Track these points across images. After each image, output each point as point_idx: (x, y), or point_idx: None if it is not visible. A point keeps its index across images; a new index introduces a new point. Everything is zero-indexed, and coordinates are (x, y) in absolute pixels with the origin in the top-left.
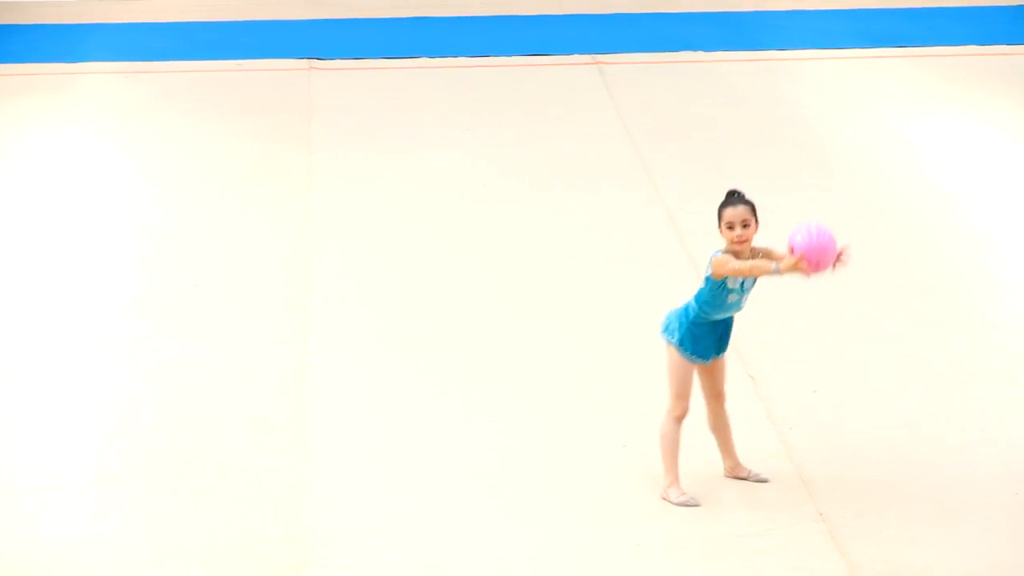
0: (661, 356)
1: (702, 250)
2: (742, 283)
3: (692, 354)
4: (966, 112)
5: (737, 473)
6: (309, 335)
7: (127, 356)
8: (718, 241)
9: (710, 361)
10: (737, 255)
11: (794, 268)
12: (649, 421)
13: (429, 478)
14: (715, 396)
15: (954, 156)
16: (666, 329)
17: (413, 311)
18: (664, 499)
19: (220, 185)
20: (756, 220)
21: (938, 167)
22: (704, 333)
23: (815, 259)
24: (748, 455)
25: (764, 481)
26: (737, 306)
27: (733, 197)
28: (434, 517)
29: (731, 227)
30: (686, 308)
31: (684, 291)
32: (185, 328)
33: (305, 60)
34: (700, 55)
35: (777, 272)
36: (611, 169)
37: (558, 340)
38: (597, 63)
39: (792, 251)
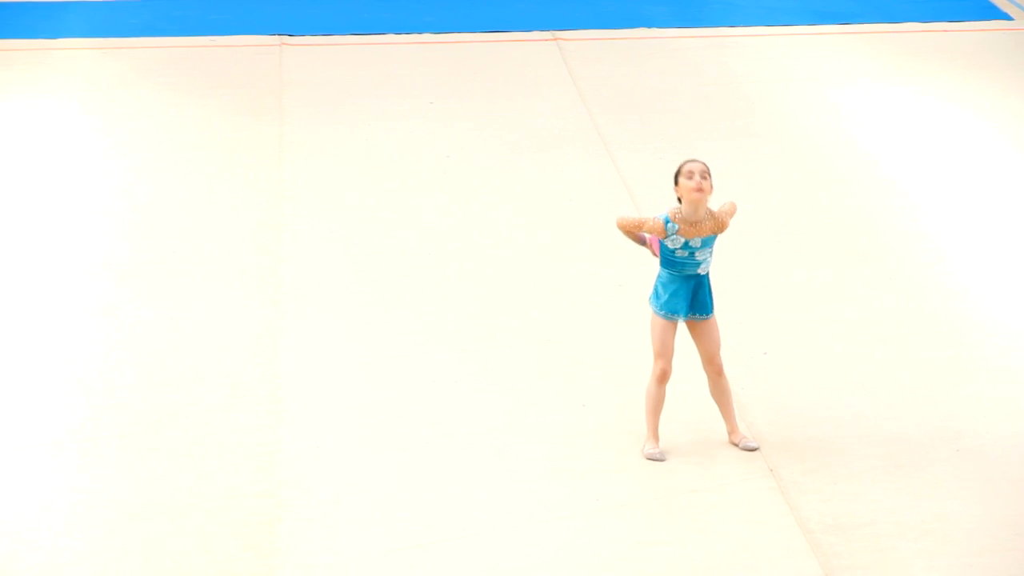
0: (618, 320)
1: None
2: (685, 242)
3: (661, 309)
4: (907, 86)
5: (732, 440)
6: (281, 300)
7: (106, 319)
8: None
9: (682, 318)
10: (695, 207)
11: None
12: (607, 383)
13: (397, 436)
14: (708, 362)
15: (895, 128)
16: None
17: (381, 276)
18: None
19: (195, 156)
20: (711, 184)
21: (879, 138)
22: (673, 290)
23: None
24: (703, 414)
25: (754, 449)
26: (693, 263)
27: (690, 158)
28: (401, 473)
29: (690, 176)
30: (658, 273)
31: (639, 258)
32: (162, 293)
33: (276, 36)
34: (654, 32)
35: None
36: (569, 140)
37: (520, 305)
38: (556, 39)
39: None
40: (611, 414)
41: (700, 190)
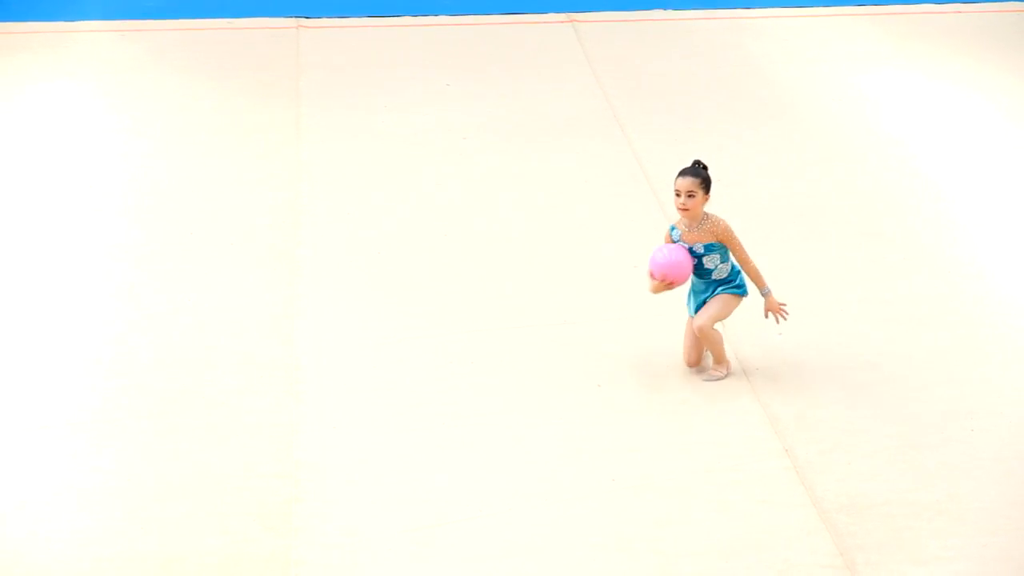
0: (633, 300)
1: (672, 199)
2: (690, 248)
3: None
4: (922, 68)
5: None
6: (298, 281)
7: (123, 301)
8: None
9: (691, 316)
10: (687, 219)
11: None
12: (622, 363)
13: (413, 417)
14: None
15: (910, 109)
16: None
17: (397, 258)
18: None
19: (212, 138)
20: (705, 192)
21: (894, 119)
22: (689, 293)
23: (672, 273)
24: (717, 396)
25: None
26: (704, 270)
27: (687, 168)
28: (418, 453)
29: (677, 194)
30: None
31: (654, 238)
32: (179, 274)
33: (293, 19)
34: (670, 13)
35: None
36: (585, 122)
37: (536, 286)
38: (571, 21)
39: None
40: (626, 394)
41: (685, 209)
